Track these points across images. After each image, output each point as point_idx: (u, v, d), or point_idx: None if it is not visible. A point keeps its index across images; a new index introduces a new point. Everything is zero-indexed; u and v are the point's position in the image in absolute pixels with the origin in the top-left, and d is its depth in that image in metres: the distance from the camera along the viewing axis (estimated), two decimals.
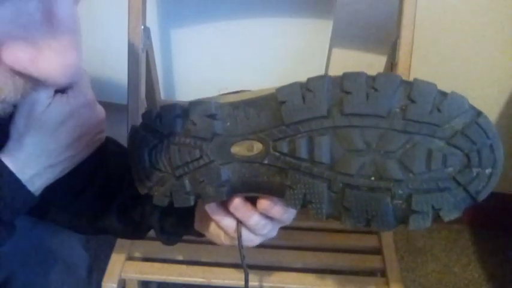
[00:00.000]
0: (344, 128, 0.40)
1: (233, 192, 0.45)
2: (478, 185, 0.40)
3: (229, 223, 0.48)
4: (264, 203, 0.45)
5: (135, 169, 0.47)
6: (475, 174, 0.39)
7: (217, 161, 0.43)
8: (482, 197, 0.40)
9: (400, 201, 0.40)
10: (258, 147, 0.43)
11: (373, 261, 0.90)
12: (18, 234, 0.48)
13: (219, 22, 1.00)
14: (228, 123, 0.43)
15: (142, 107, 0.89)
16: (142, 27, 0.85)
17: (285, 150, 0.42)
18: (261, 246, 0.51)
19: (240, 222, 0.47)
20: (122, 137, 0.62)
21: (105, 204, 0.57)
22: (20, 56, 0.28)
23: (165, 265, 0.88)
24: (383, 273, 0.88)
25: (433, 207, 0.40)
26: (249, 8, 0.98)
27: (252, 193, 0.45)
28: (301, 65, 1.03)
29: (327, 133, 0.40)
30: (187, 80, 1.09)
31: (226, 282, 0.85)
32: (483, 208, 1.30)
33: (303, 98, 0.41)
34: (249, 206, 0.46)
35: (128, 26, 0.84)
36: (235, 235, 0.48)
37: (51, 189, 0.49)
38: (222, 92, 0.49)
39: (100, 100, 0.52)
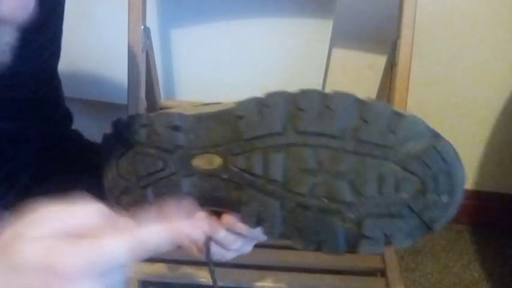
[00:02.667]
0: (297, 146, 0.39)
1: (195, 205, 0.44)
2: (434, 213, 0.38)
3: (197, 236, 0.46)
4: (227, 218, 0.44)
5: (105, 177, 0.47)
6: (430, 201, 0.38)
7: (179, 173, 0.43)
8: (438, 226, 0.38)
9: (351, 225, 0.39)
10: (217, 161, 0.42)
11: (373, 261, 0.90)
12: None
13: (219, 22, 1.00)
14: (191, 136, 0.42)
15: (142, 107, 0.89)
16: (142, 27, 0.85)
17: (242, 165, 0.41)
18: (261, 246, 0.51)
19: (208, 237, 0.46)
20: None
21: None
22: None
23: (165, 265, 0.88)
24: (383, 273, 0.88)
25: (384, 233, 0.38)
26: (249, 8, 0.98)
27: (213, 208, 0.44)
28: (301, 65, 1.03)
29: (281, 150, 0.40)
30: (187, 80, 1.09)
31: (227, 283, 0.85)
32: (483, 208, 1.30)
33: (260, 113, 0.40)
34: (213, 220, 0.45)
35: (128, 26, 0.84)
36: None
37: (33, 195, 0.49)
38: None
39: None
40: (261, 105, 0.40)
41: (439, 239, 1.28)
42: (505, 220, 1.26)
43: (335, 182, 0.39)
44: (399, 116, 0.38)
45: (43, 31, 0.49)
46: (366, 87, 0.99)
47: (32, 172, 0.56)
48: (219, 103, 0.45)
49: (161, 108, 1.01)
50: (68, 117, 0.61)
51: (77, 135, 0.61)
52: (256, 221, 0.41)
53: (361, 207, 0.38)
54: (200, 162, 0.42)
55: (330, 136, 0.38)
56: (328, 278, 0.86)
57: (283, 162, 0.39)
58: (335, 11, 0.96)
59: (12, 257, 0.32)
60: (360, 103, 0.38)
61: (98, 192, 0.55)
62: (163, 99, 1.05)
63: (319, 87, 1.05)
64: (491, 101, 1.10)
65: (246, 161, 0.41)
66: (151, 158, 0.43)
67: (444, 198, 0.37)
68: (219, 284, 0.89)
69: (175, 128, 0.43)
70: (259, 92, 0.43)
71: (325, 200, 0.39)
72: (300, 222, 0.40)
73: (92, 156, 0.57)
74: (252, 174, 0.40)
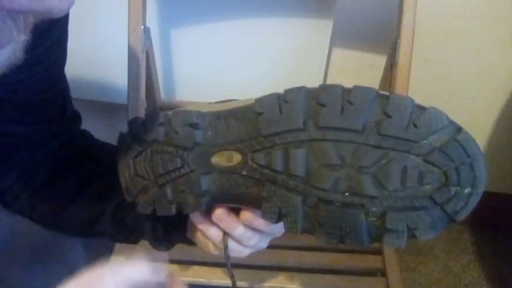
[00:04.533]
0: (319, 141, 0.39)
1: (213, 202, 0.44)
2: (456, 205, 0.38)
3: (214, 233, 0.47)
4: (246, 215, 0.44)
5: (122, 176, 0.46)
6: (453, 193, 0.38)
7: (198, 171, 0.43)
8: (461, 217, 0.39)
9: (375, 219, 0.39)
10: (237, 157, 0.42)
11: (373, 261, 0.90)
12: (17, 233, 0.48)
13: (219, 22, 1.00)
14: (209, 133, 0.43)
15: (142, 107, 0.89)
16: (142, 27, 0.85)
17: (262, 161, 0.41)
18: None
19: (226, 233, 0.47)
20: None
21: (99, 209, 0.57)
22: None
23: (165, 265, 0.87)
24: (383, 273, 0.88)
25: (408, 226, 0.38)
26: (249, 8, 0.98)
27: (232, 204, 0.44)
28: (301, 65, 1.03)
29: (303, 146, 0.40)
30: (187, 80, 1.09)
31: (227, 283, 0.85)
32: (483, 208, 1.30)
33: (280, 109, 0.40)
34: (232, 216, 0.45)
35: (128, 26, 0.84)
36: (222, 245, 0.47)
37: (45, 196, 0.49)
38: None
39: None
40: (281, 101, 0.40)
41: (439, 239, 1.28)
42: (505, 220, 1.26)
43: (358, 176, 0.39)
44: (421, 109, 0.38)
45: (50, 34, 0.49)
46: None
47: (45, 172, 0.56)
48: (237, 100, 0.45)
49: (161, 108, 1.01)
50: (77, 118, 0.61)
51: (87, 135, 0.61)
52: (277, 216, 0.41)
53: (384, 200, 0.38)
54: (219, 159, 0.42)
55: (352, 131, 0.39)
56: (328, 278, 0.86)
57: (305, 158, 0.40)
58: (335, 11, 0.96)
59: None
60: (381, 97, 0.39)
61: (112, 190, 0.56)
62: (163, 99, 1.05)
63: None
64: (491, 102, 1.10)
65: (266, 157, 0.41)
66: (169, 156, 0.43)
67: (467, 190, 0.38)
68: (219, 284, 0.90)
69: (194, 126, 0.43)
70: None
71: (348, 195, 0.39)
72: (322, 217, 0.40)
73: (104, 155, 0.57)
74: (273, 170, 0.40)
